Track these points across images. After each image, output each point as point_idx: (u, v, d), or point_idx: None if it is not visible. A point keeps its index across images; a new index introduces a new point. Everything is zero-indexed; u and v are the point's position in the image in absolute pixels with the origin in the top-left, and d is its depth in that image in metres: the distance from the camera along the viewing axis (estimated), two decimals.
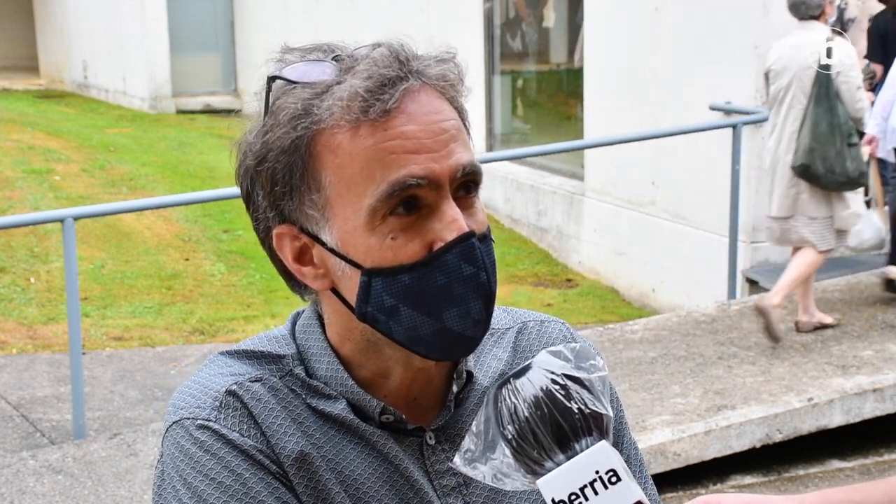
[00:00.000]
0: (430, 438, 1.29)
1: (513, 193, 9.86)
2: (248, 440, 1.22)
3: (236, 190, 1.30)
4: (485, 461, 1.10)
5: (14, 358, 7.03)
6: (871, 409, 5.49)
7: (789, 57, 6.16)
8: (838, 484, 5.19)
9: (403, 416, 1.27)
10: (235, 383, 1.26)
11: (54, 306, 7.82)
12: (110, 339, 7.37)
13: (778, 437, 5.32)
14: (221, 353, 1.31)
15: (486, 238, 1.22)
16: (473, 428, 1.11)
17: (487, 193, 10.03)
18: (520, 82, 11.17)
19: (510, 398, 1.09)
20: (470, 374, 1.32)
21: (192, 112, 15.71)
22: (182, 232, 9.65)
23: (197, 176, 11.34)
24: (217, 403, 1.24)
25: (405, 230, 1.19)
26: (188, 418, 1.24)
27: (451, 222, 1.19)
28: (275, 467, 1.22)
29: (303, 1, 13.80)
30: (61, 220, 5.61)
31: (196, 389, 1.27)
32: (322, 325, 1.30)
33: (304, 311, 1.34)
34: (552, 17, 10.71)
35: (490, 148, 10.28)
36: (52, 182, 11.00)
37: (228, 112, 15.57)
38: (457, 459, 1.12)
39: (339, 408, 1.26)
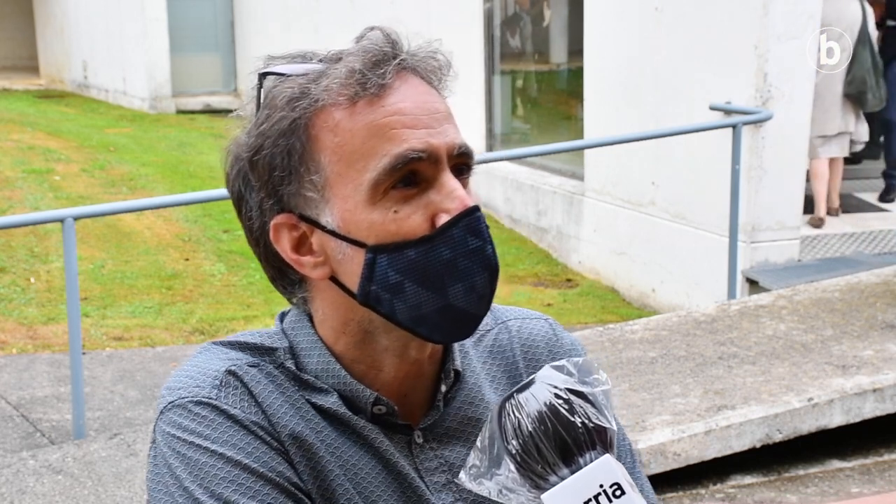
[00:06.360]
0: (419, 437, 1.29)
1: (513, 193, 9.86)
2: (250, 416, 1.21)
3: None
4: (490, 477, 1.10)
5: (14, 358, 7.03)
6: (871, 409, 5.48)
7: (840, 11, 7.91)
8: (838, 484, 5.19)
9: (396, 408, 1.27)
10: (234, 365, 1.25)
11: (54, 306, 7.82)
12: (110, 339, 7.37)
13: (778, 437, 5.31)
14: (214, 343, 1.31)
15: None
16: (478, 444, 1.11)
17: (487, 193, 10.03)
18: (520, 82, 11.15)
19: (514, 413, 1.09)
20: (458, 374, 1.33)
21: (192, 112, 15.72)
22: (182, 232, 9.65)
23: (197, 176, 11.34)
24: (217, 382, 1.23)
25: (407, 202, 1.20)
26: (186, 398, 1.22)
27: (451, 192, 1.21)
28: (276, 444, 1.22)
29: (303, 1, 13.80)
30: (61, 220, 5.60)
31: (193, 372, 1.25)
32: (311, 323, 1.30)
33: (290, 311, 1.34)
34: (552, 16, 10.70)
35: (490, 148, 10.26)
36: (52, 182, 11.00)
37: (228, 112, 15.55)
38: (462, 475, 1.12)
39: (330, 401, 1.26)
